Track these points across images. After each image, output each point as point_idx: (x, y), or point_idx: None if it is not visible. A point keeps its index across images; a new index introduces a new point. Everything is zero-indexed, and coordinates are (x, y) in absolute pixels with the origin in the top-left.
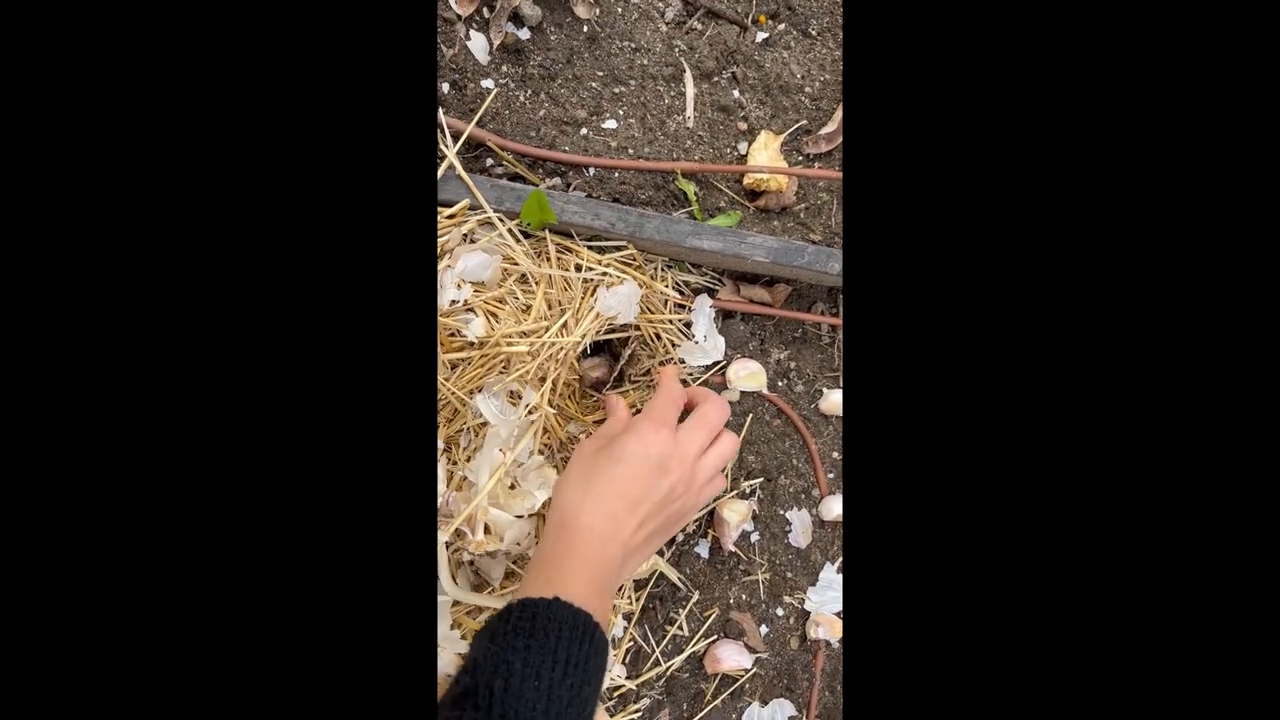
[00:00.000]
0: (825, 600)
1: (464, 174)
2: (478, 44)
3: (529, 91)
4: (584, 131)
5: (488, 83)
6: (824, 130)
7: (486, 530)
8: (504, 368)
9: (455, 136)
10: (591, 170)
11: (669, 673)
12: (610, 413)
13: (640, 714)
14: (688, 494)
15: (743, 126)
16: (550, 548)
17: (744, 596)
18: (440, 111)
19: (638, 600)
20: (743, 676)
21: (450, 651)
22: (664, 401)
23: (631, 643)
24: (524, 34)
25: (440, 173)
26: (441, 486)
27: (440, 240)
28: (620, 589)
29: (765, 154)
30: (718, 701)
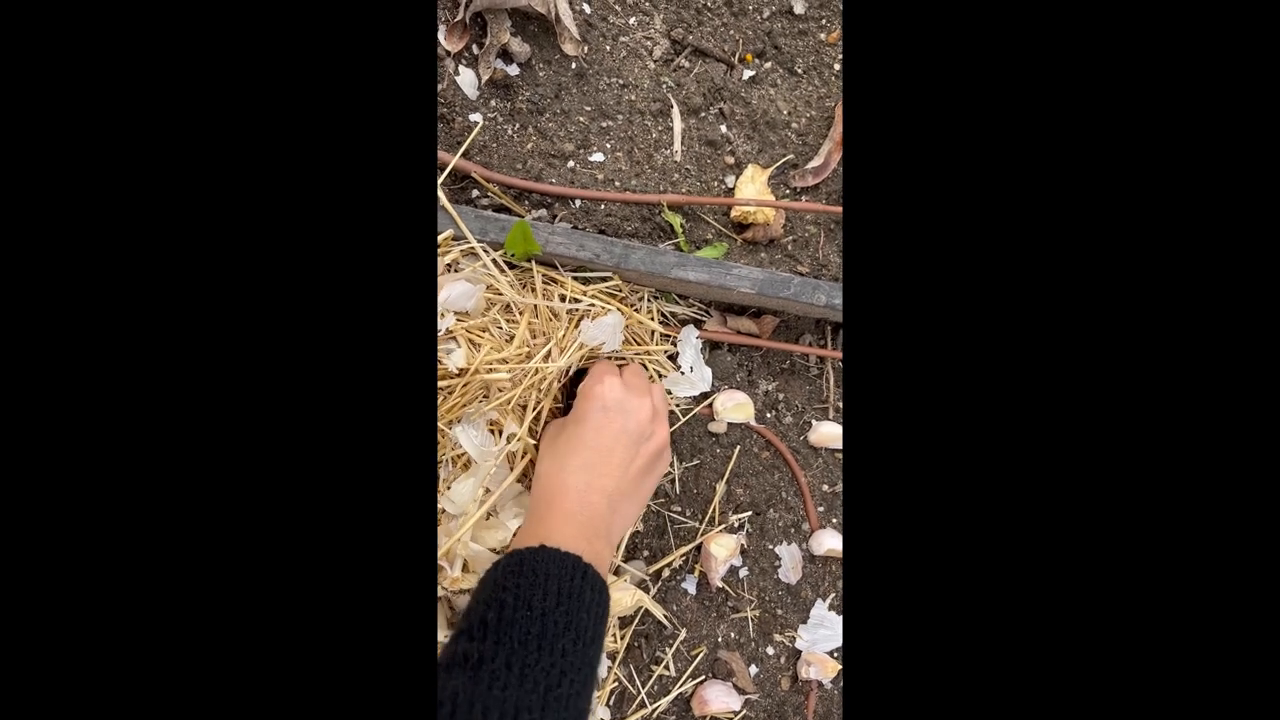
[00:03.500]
0: (817, 639)
1: (448, 204)
2: (466, 79)
3: (517, 125)
4: (571, 164)
5: (475, 117)
6: (810, 165)
7: (465, 567)
8: (484, 396)
9: (440, 168)
10: (578, 202)
11: (655, 715)
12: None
13: None
14: (657, 422)
15: (730, 160)
16: (533, 513)
17: (733, 634)
18: None
19: (622, 638)
20: (733, 718)
21: None
22: (600, 367)
23: (616, 683)
24: (513, 70)
25: None
26: None
27: None
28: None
29: (752, 187)
30: None
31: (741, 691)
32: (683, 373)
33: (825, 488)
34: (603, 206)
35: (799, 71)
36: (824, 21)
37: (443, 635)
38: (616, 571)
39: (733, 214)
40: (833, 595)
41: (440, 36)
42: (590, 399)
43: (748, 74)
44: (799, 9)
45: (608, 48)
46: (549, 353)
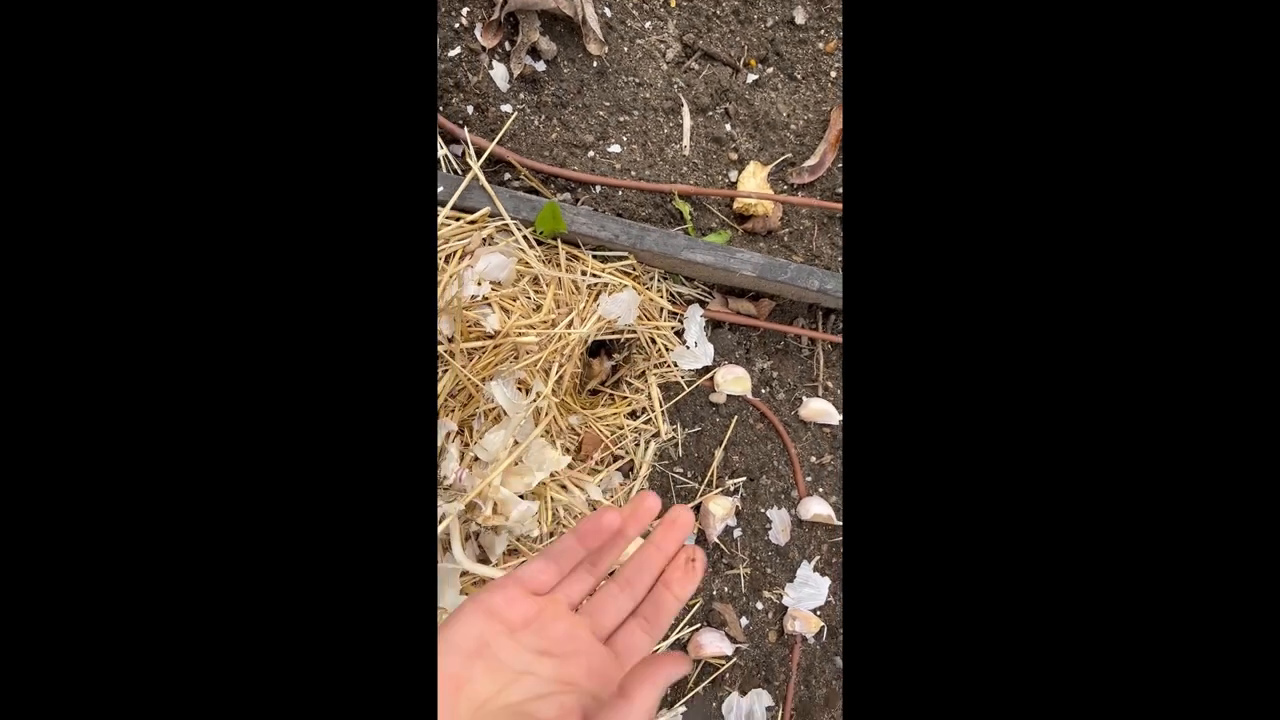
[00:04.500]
0: (802, 597)
1: (487, 185)
2: (499, 73)
3: (543, 116)
4: (591, 154)
5: (506, 107)
6: (807, 163)
7: (495, 509)
8: (514, 357)
9: (479, 152)
10: (598, 188)
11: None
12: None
13: None
14: None
15: (733, 156)
16: None
17: (726, 589)
18: (465, 130)
19: None
20: (724, 665)
21: None
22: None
23: None
24: (540, 66)
25: (465, 183)
26: (455, 464)
27: (463, 243)
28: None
29: (754, 182)
30: (699, 689)
31: (733, 640)
32: (688, 347)
33: (813, 459)
34: (620, 193)
35: (798, 77)
36: (822, 32)
37: (470, 566)
38: None
39: (735, 205)
40: (817, 558)
41: (477, 33)
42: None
43: (751, 78)
44: (800, 19)
45: (625, 49)
46: (571, 321)
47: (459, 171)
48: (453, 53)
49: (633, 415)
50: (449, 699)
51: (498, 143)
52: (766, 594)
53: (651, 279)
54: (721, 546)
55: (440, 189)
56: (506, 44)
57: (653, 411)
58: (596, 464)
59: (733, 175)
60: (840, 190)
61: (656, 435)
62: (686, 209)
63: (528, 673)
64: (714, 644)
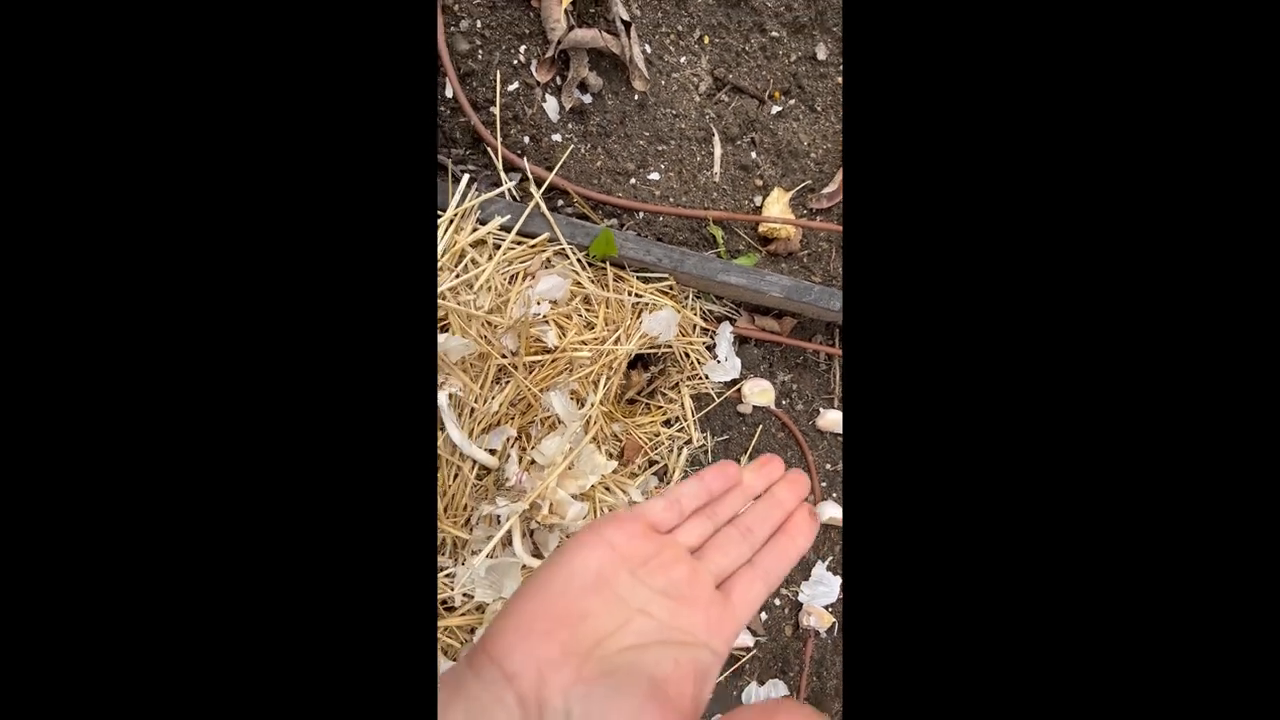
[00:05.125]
0: (816, 594)
1: (547, 213)
2: (551, 106)
3: (588, 146)
4: (633, 181)
5: (557, 137)
6: (825, 190)
7: (551, 509)
8: (569, 371)
9: (538, 181)
10: (641, 214)
11: None
12: None
13: None
14: None
15: (759, 183)
16: None
17: None
18: (525, 159)
19: None
20: (744, 656)
21: None
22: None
23: None
24: (587, 99)
25: (528, 211)
26: (515, 467)
27: (525, 265)
28: None
29: (777, 207)
30: (722, 678)
31: (753, 633)
32: (719, 361)
33: (829, 466)
34: (660, 218)
35: (818, 109)
36: (841, 66)
37: (529, 560)
38: None
39: (760, 229)
40: (830, 558)
41: (533, 69)
42: None
43: (775, 109)
44: (821, 55)
45: (663, 82)
46: (618, 338)
47: (518, 198)
48: (511, 87)
49: (667, 424)
50: (571, 631)
51: (556, 173)
52: (783, 590)
53: (686, 298)
54: None
55: (507, 217)
56: (558, 79)
57: (685, 420)
58: (636, 468)
59: (757, 200)
60: None
61: (689, 442)
62: (719, 234)
63: (645, 612)
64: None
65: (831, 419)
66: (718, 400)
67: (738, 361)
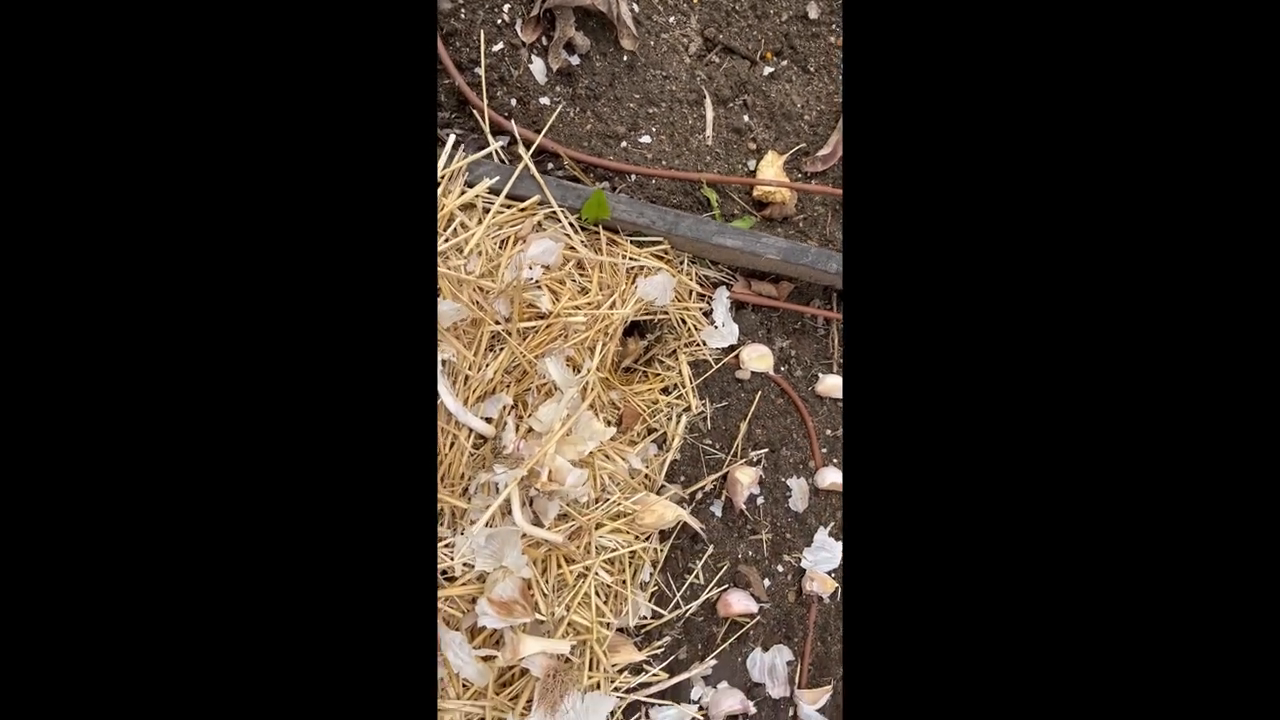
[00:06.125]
0: (819, 560)
1: (537, 174)
2: (538, 67)
3: (578, 109)
4: (624, 144)
5: (545, 100)
6: (820, 152)
7: (550, 476)
8: (564, 337)
9: (526, 144)
10: (633, 176)
11: (686, 615)
12: None
13: (663, 650)
14: None
15: (752, 146)
16: None
17: (750, 553)
18: (512, 122)
19: (662, 550)
20: (749, 622)
21: (517, 577)
22: None
23: (656, 587)
24: (574, 60)
25: (517, 173)
26: (513, 434)
27: (515, 229)
28: (649, 537)
29: (771, 170)
30: (726, 645)
31: (757, 600)
32: (716, 327)
33: (829, 432)
34: (653, 181)
35: (811, 70)
36: (834, 26)
37: (528, 529)
38: (659, 490)
39: (754, 193)
40: (832, 524)
41: (518, 28)
42: None
43: (768, 70)
44: (813, 14)
45: (651, 43)
46: (613, 303)
47: (506, 161)
48: (496, 48)
49: (665, 391)
50: None
51: (544, 135)
52: (786, 557)
53: (682, 263)
54: (746, 513)
55: (495, 179)
56: (544, 39)
57: (683, 387)
58: (635, 436)
59: (751, 164)
60: None
61: (687, 409)
62: (714, 197)
63: None
64: (740, 603)
65: (830, 384)
66: (715, 366)
67: (735, 327)
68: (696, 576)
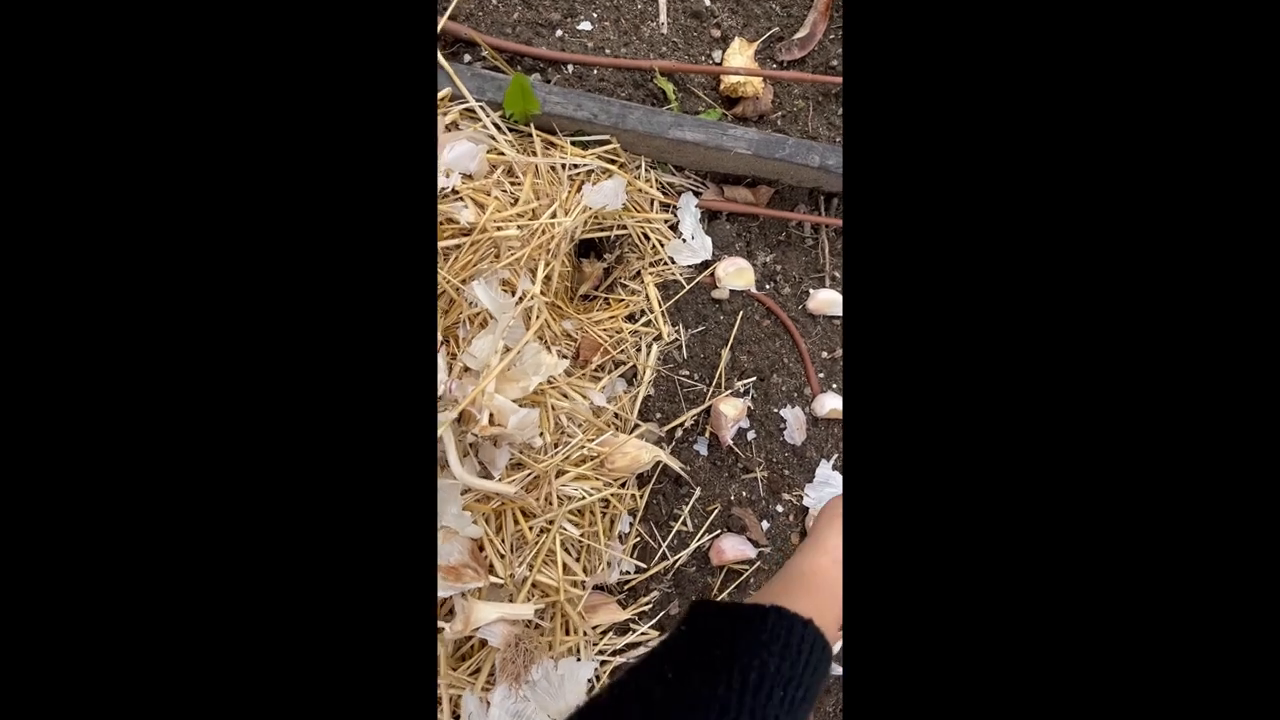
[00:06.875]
0: (822, 497)
1: (445, 63)
2: None
3: None
4: (559, 33)
5: None
6: (797, 35)
7: (491, 419)
8: (495, 257)
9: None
10: (570, 67)
11: (676, 566)
12: None
13: (651, 606)
14: None
15: (716, 34)
16: (792, 586)
17: (744, 494)
18: None
19: (642, 497)
20: (747, 569)
21: (464, 538)
22: None
23: (639, 539)
24: None
25: None
26: (444, 374)
27: None
28: (624, 484)
29: (740, 60)
30: (724, 595)
31: (755, 544)
32: (684, 241)
33: (824, 354)
34: (595, 72)
35: None
36: None
37: (471, 481)
38: (632, 430)
39: (722, 87)
40: (835, 455)
41: None
42: None
43: None
44: None
45: None
46: (554, 213)
47: None
48: None
49: (631, 318)
50: None
51: (449, 17)
52: (786, 496)
53: (638, 168)
54: (736, 450)
55: None
56: None
57: (652, 313)
58: (597, 370)
59: (716, 56)
60: (835, 64)
61: (659, 338)
62: (670, 88)
63: None
64: (735, 548)
65: (824, 299)
66: (688, 287)
67: (708, 240)
68: (684, 523)
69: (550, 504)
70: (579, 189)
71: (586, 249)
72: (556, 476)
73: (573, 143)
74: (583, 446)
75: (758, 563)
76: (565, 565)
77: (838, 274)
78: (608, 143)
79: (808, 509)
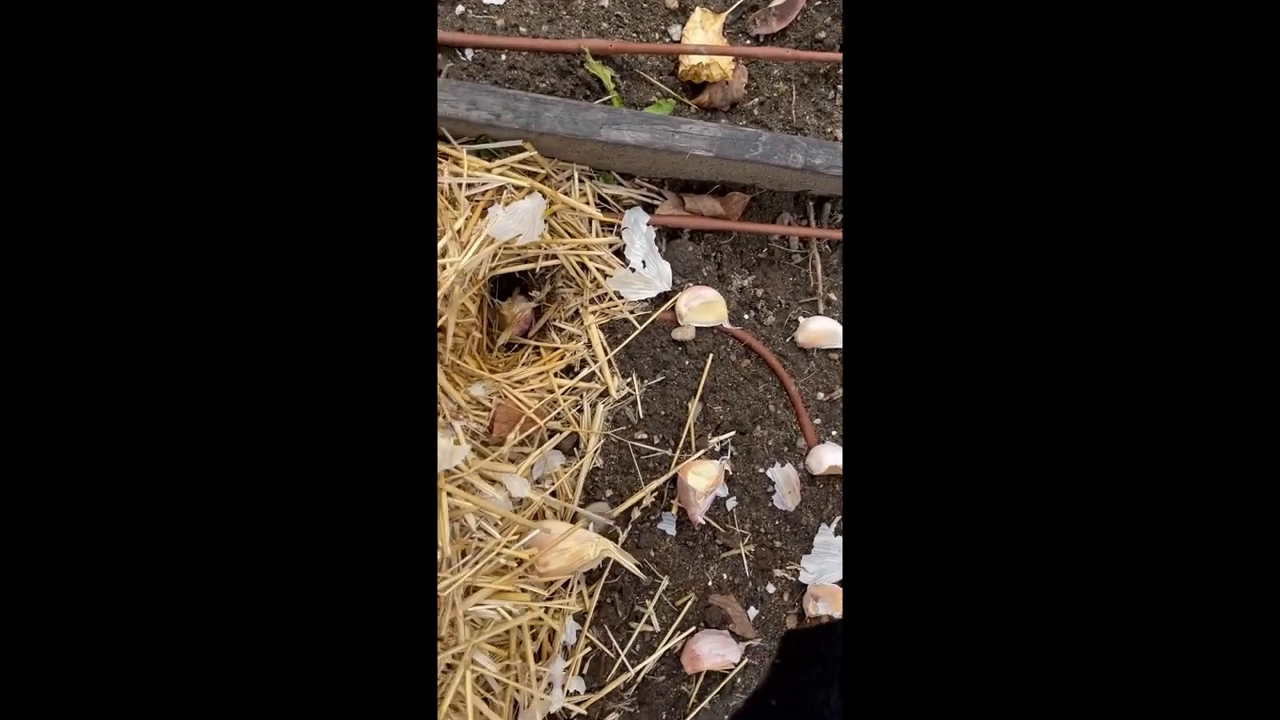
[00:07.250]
0: (824, 569)
1: None
2: None
3: None
4: (459, 9)
5: None
6: (773, 3)
7: None
8: None
9: None
10: (469, 53)
11: (640, 678)
12: None
13: None
14: None
15: (672, 4)
16: None
17: (725, 576)
18: None
19: (591, 596)
20: (733, 670)
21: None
22: None
23: (589, 648)
24: None
25: None
26: None
27: None
28: (567, 584)
29: (703, 35)
30: (705, 702)
31: (740, 639)
32: (633, 269)
33: (820, 395)
34: (504, 57)
35: None
36: None
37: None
38: (574, 518)
39: (681, 70)
40: (837, 519)
41: None
42: None
43: None
44: None
45: None
46: (444, 250)
47: None
48: None
49: (569, 371)
50: None
51: None
52: (778, 572)
53: (569, 179)
54: (713, 525)
55: None
56: None
57: (596, 363)
58: (521, 445)
59: (674, 32)
60: (822, 36)
61: (605, 394)
62: (607, 75)
63: None
64: (715, 651)
65: (818, 330)
66: (641, 327)
67: (665, 267)
68: (648, 622)
69: (455, 633)
70: (484, 213)
71: (510, 286)
72: (465, 596)
73: (473, 152)
74: (497, 553)
75: (745, 660)
76: (477, 711)
77: (834, 297)
78: (521, 147)
79: (805, 585)
